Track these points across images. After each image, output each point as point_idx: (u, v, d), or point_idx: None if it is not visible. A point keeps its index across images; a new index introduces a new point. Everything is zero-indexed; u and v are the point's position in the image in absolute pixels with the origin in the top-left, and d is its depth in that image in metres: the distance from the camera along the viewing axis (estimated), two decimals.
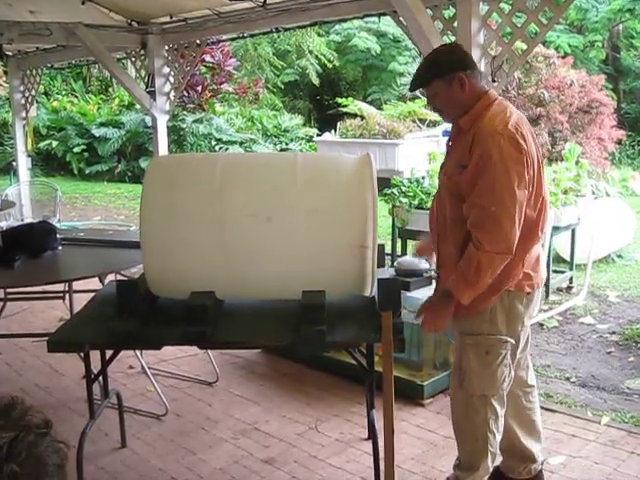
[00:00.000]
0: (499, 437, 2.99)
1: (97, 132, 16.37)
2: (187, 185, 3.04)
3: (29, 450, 1.14)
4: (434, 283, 3.34)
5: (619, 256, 7.90)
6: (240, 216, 2.97)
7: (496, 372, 2.89)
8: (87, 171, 16.27)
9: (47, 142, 16.36)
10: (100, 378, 3.56)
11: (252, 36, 7.36)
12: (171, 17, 6.30)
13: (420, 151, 7.39)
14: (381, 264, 3.33)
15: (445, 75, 2.78)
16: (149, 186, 3.08)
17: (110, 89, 19.42)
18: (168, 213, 3.03)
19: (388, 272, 4.05)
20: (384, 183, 5.67)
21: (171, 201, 3.03)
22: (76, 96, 18.80)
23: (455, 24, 4.33)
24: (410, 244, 6.44)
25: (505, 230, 2.65)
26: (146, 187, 3.08)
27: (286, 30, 6.57)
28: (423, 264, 4.09)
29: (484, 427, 2.92)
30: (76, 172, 16.43)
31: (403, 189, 6.35)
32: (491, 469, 3.04)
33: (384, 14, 5.15)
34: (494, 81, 4.31)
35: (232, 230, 2.98)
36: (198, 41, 6.62)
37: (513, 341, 2.90)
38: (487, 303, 2.83)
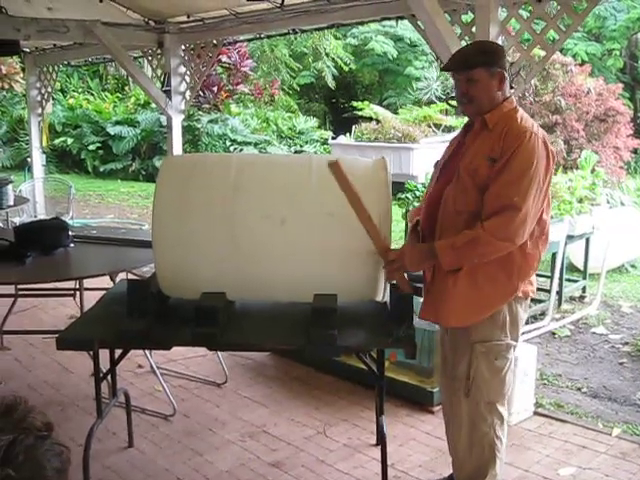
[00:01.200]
0: (505, 441, 2.97)
1: (112, 130, 16.44)
2: (201, 185, 3.03)
3: (27, 453, 1.13)
4: None
5: (633, 266, 7.84)
6: (254, 217, 2.95)
7: (505, 378, 2.91)
8: (101, 169, 16.33)
9: (62, 139, 16.42)
10: (109, 377, 3.55)
11: (269, 37, 7.36)
12: (188, 17, 6.30)
13: (435, 156, 7.34)
14: None
15: (492, 66, 2.79)
16: (162, 185, 3.07)
17: (126, 88, 19.47)
18: (181, 213, 3.01)
19: None
20: (398, 187, 5.65)
21: (184, 201, 3.01)
22: (92, 94, 18.88)
23: (473, 29, 4.30)
24: None
25: (519, 222, 2.67)
26: (159, 186, 3.07)
27: (303, 32, 6.56)
28: None
29: (491, 434, 2.91)
30: (90, 170, 16.50)
31: (417, 194, 6.33)
32: (499, 476, 3.01)
33: (402, 18, 5.13)
34: (512, 87, 4.26)
35: (245, 231, 2.96)
36: (215, 41, 6.62)
37: (516, 345, 2.92)
38: (503, 300, 2.83)
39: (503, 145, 2.72)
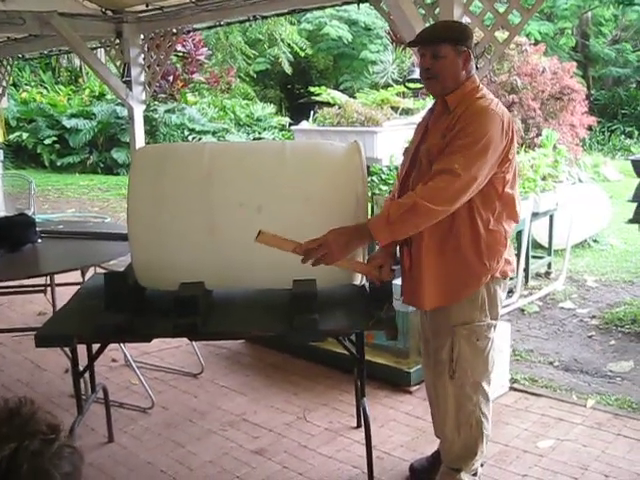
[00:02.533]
0: (490, 418, 3.01)
1: (68, 123, 16.15)
2: (175, 175, 3.00)
3: (31, 461, 1.08)
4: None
5: (595, 241, 7.97)
6: (229, 205, 2.94)
7: (487, 357, 2.93)
8: (59, 163, 16.05)
9: (17, 134, 16.09)
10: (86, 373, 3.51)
11: (229, 24, 7.29)
12: (147, 5, 6.20)
13: (399, 138, 7.40)
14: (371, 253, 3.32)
15: (458, 44, 2.77)
16: (136, 177, 3.03)
17: (80, 80, 19.17)
18: (156, 204, 2.98)
19: None
20: None
21: (159, 192, 2.98)
22: (45, 87, 18.53)
23: (437, 11, 4.31)
24: None
25: (458, 188, 2.63)
26: (133, 178, 3.03)
27: (264, 18, 6.50)
28: None
29: (477, 412, 2.94)
30: (47, 164, 16.21)
31: (383, 177, 6.34)
32: (485, 452, 3.05)
33: (364, 1, 5.11)
34: (476, 68, 4.30)
35: (221, 220, 2.94)
36: (174, 30, 6.53)
37: (496, 323, 2.94)
38: (478, 283, 2.83)
39: (456, 122, 2.71)
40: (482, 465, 3.15)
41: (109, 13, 6.40)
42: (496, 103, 2.79)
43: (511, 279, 5.83)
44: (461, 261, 2.81)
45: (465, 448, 2.98)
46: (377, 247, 3.14)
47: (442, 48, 2.76)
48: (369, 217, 3.02)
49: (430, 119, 2.95)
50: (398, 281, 3.07)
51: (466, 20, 4.26)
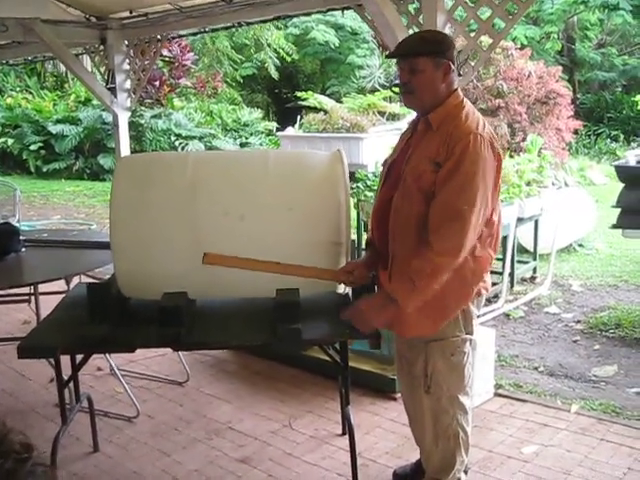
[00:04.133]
0: (469, 429, 3.00)
1: (54, 129, 16.07)
2: (158, 184, 3.00)
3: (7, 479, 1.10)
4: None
5: (580, 245, 8.02)
6: (213, 215, 2.94)
7: (463, 371, 2.89)
8: (44, 169, 15.97)
9: (2, 140, 16.04)
10: (70, 383, 3.50)
11: (214, 31, 7.28)
12: (131, 12, 6.19)
13: (384, 144, 7.45)
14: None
15: (437, 56, 2.68)
16: (118, 186, 3.03)
17: (66, 85, 19.10)
18: (138, 213, 2.99)
19: None
20: (349, 177, 5.67)
21: (141, 201, 2.99)
22: (31, 92, 18.43)
23: (420, 18, 4.32)
24: None
25: (467, 231, 2.60)
26: (115, 187, 3.03)
27: (249, 24, 6.50)
28: None
29: (454, 425, 2.91)
30: (33, 170, 16.12)
31: (368, 183, 6.37)
32: (466, 460, 3.05)
33: (348, 8, 5.13)
34: (460, 75, 4.31)
35: (205, 229, 2.95)
36: (159, 36, 6.52)
37: (473, 337, 2.91)
38: (459, 307, 2.80)
39: (447, 149, 2.62)
40: (466, 472, 3.15)
41: (93, 20, 6.38)
42: (483, 125, 2.69)
43: (493, 284, 5.89)
44: (443, 289, 2.72)
45: (444, 459, 2.96)
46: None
47: (420, 61, 2.67)
48: (350, 226, 3.00)
49: (413, 135, 2.87)
50: None
51: (450, 27, 4.29)
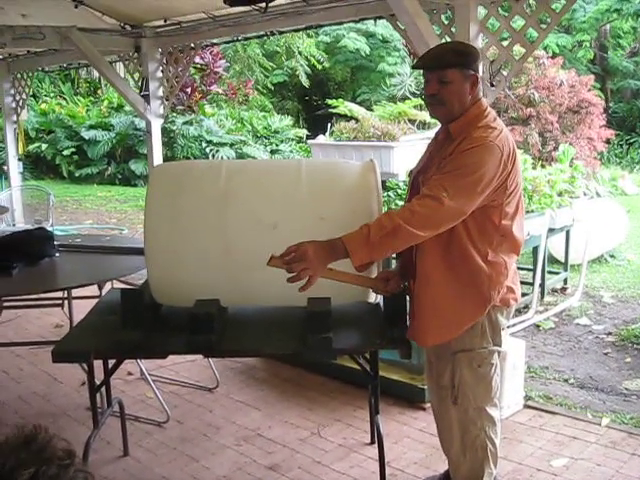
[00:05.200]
0: (498, 441, 2.98)
1: (86, 134, 16.27)
2: (191, 193, 3.03)
3: None
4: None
5: (612, 256, 7.94)
6: (245, 223, 2.96)
7: (490, 383, 2.88)
8: (77, 174, 16.18)
9: (36, 145, 16.25)
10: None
11: (247, 39, 7.35)
12: (165, 21, 6.27)
13: (415, 153, 7.43)
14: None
15: (466, 68, 2.69)
16: (153, 194, 3.06)
17: (99, 91, 19.34)
18: (172, 221, 3.01)
19: None
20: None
21: (175, 209, 3.01)
22: (65, 98, 18.70)
23: (453, 29, 4.33)
24: None
25: (441, 218, 2.59)
26: (150, 195, 3.06)
27: (281, 33, 6.55)
28: None
29: (482, 436, 2.90)
30: (66, 175, 16.35)
31: (399, 192, 6.36)
32: (495, 472, 3.04)
33: (380, 17, 5.15)
34: (492, 85, 4.32)
35: (237, 237, 2.96)
36: (192, 44, 6.59)
37: (501, 349, 2.90)
38: (478, 313, 2.79)
39: (454, 150, 2.66)
40: None
41: (128, 28, 6.48)
42: (497, 133, 2.67)
43: (524, 295, 5.84)
44: (460, 295, 2.76)
45: (472, 471, 2.95)
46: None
47: (449, 73, 2.68)
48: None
49: (433, 146, 2.91)
50: None
51: (482, 37, 4.29)
